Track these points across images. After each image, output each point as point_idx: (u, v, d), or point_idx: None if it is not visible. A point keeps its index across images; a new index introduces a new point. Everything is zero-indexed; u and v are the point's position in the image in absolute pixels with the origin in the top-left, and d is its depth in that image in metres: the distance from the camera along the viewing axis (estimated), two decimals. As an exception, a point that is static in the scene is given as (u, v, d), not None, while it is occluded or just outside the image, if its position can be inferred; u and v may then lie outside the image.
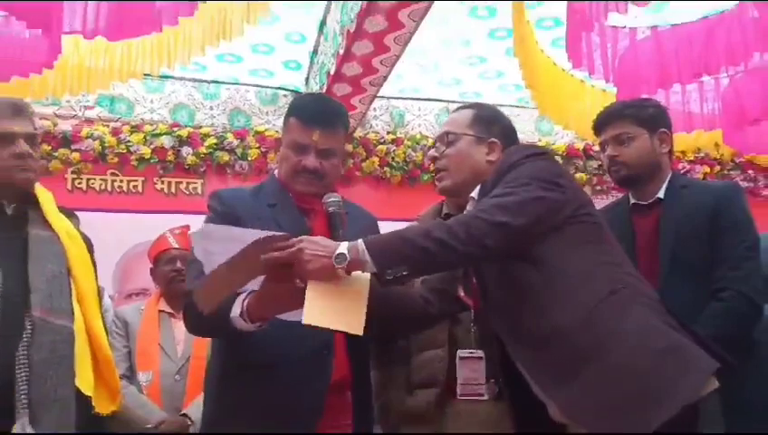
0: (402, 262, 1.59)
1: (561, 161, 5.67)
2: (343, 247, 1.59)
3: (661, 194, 2.27)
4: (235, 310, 1.73)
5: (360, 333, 1.61)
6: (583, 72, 4.50)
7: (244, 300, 1.73)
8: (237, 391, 1.86)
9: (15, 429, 1.73)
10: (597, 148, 2.82)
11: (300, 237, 1.62)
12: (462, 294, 1.94)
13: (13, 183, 1.96)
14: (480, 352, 1.97)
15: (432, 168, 2.02)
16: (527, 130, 5.82)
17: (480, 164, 1.88)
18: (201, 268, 1.76)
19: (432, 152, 1.97)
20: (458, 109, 2.02)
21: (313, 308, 1.60)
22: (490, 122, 1.94)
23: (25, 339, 1.80)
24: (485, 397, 2.00)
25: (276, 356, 1.81)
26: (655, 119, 2.32)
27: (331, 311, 1.60)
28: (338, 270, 1.58)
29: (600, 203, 2.44)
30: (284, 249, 1.60)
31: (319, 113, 2.03)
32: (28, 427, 1.73)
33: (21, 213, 1.98)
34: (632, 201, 2.34)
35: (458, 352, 2.02)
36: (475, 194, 1.86)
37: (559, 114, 5.02)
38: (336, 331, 1.67)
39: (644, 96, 4.37)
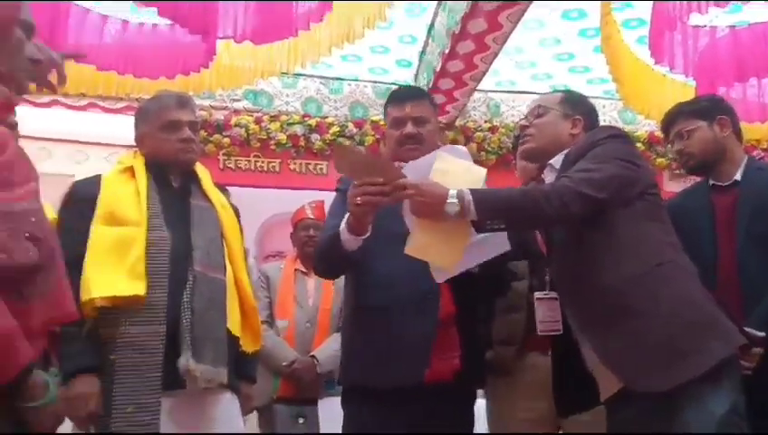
0: (501, 216, 1.61)
1: (643, 148, 5.41)
2: (453, 197, 1.60)
3: (738, 176, 2.16)
4: (342, 224, 1.81)
5: (453, 272, 1.64)
6: (665, 67, 4.27)
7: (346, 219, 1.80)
8: (362, 330, 1.94)
9: (180, 361, 1.79)
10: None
11: (413, 183, 1.64)
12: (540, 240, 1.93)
13: (179, 163, 2.03)
14: (554, 293, 1.95)
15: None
16: (612, 119, 5.57)
17: (563, 135, 1.88)
18: (331, 227, 1.89)
19: (522, 121, 1.97)
20: (552, 91, 2.05)
21: (417, 241, 1.63)
22: (576, 104, 1.94)
23: (188, 289, 1.85)
24: (560, 331, 1.96)
25: (390, 299, 1.86)
26: (710, 109, 2.23)
27: (432, 247, 1.62)
28: (447, 215, 1.60)
29: (679, 186, 2.35)
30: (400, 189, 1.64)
31: (407, 91, 2.23)
32: (191, 359, 1.79)
33: (185, 187, 2.04)
34: (711, 182, 2.23)
35: (535, 294, 2.01)
36: (554, 162, 1.84)
37: (641, 105, 4.79)
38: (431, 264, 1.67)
39: (721, 89, 4.16)
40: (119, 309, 1.78)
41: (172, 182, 2.04)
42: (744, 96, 4.49)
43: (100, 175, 1.98)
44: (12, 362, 1.10)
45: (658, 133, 5.73)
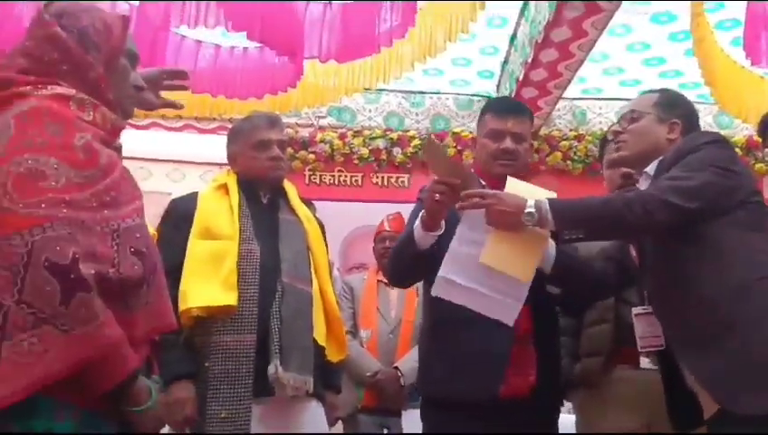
0: (580, 226, 1.58)
1: (741, 153, 5.15)
2: (531, 207, 1.59)
3: None
4: (416, 222, 1.84)
5: (528, 281, 1.62)
6: (762, 68, 4.07)
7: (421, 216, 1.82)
8: (439, 342, 1.95)
9: (270, 369, 1.86)
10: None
11: (492, 192, 1.65)
12: (634, 254, 1.87)
13: (269, 180, 2.11)
14: (651, 308, 1.86)
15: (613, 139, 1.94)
16: (707, 124, 5.33)
17: (660, 141, 1.78)
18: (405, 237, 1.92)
19: (615, 127, 1.90)
20: (645, 92, 1.93)
21: (493, 251, 1.62)
22: (672, 105, 1.83)
23: (277, 299, 1.93)
24: (663, 347, 1.86)
25: (469, 314, 1.86)
26: None
27: (508, 257, 1.61)
28: (525, 225, 1.59)
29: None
30: (479, 198, 1.64)
31: (510, 105, 2.14)
32: (279, 367, 1.85)
33: (273, 202, 2.12)
34: None
35: (633, 310, 1.94)
36: (650, 170, 1.76)
37: (738, 108, 4.57)
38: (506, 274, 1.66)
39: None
40: (213, 318, 1.88)
41: (262, 198, 2.11)
42: None
43: (197, 192, 2.10)
44: (119, 369, 1.18)
45: (757, 138, 5.46)
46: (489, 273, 1.66)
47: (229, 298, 1.86)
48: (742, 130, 5.39)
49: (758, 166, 5.24)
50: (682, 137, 1.78)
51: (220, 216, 1.99)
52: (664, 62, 4.92)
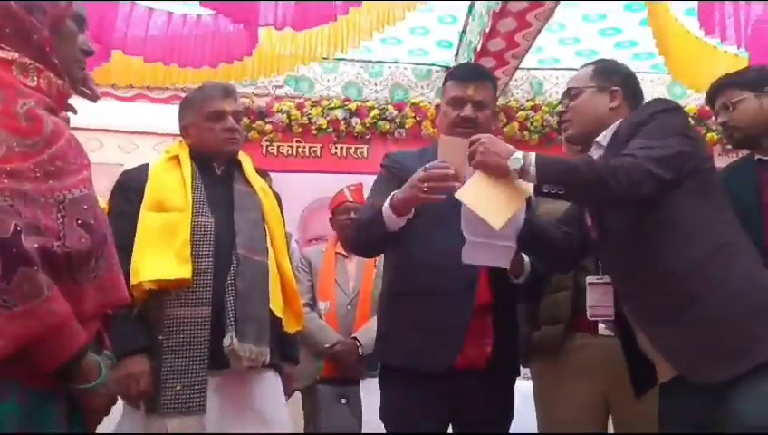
0: (562, 183, 1.56)
1: (693, 123, 5.27)
2: (519, 154, 1.59)
3: None
4: (386, 203, 1.83)
5: (497, 228, 1.62)
6: (716, 38, 4.13)
7: (391, 198, 1.82)
8: (400, 312, 1.97)
9: (225, 341, 1.86)
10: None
11: (487, 135, 1.66)
12: (588, 223, 1.88)
13: (223, 152, 2.09)
14: (607, 278, 1.90)
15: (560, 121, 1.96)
16: (660, 94, 5.41)
17: (602, 112, 1.80)
18: (368, 208, 1.93)
19: (560, 108, 1.92)
20: (582, 66, 1.94)
21: (471, 190, 1.61)
22: (610, 73, 1.84)
23: (232, 271, 1.92)
24: (612, 317, 1.92)
25: (430, 284, 1.89)
26: (757, 80, 2.13)
27: (485, 199, 1.60)
28: (510, 170, 1.58)
29: (728, 161, 2.28)
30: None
31: (471, 71, 2.16)
32: (235, 339, 1.85)
33: (228, 173, 2.11)
34: (757, 157, 2.16)
35: (587, 278, 1.96)
36: (601, 139, 1.78)
37: (691, 79, 4.65)
38: (478, 216, 1.65)
39: (774, 60, 4.00)
40: (166, 292, 1.86)
41: (215, 169, 2.10)
42: (801, 67, 4.30)
43: (147, 164, 2.06)
44: (67, 346, 1.16)
45: (709, 108, 5.57)
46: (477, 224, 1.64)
47: (182, 271, 1.85)
48: (694, 100, 5.50)
49: (710, 135, 5.36)
50: (624, 102, 1.80)
51: (172, 188, 1.96)
52: (619, 32, 4.97)
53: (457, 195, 1.63)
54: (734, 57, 4.45)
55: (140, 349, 1.85)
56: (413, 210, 1.83)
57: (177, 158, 2.05)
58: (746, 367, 1.48)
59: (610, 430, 2.20)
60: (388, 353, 2.00)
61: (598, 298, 1.92)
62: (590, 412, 2.13)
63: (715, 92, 2.19)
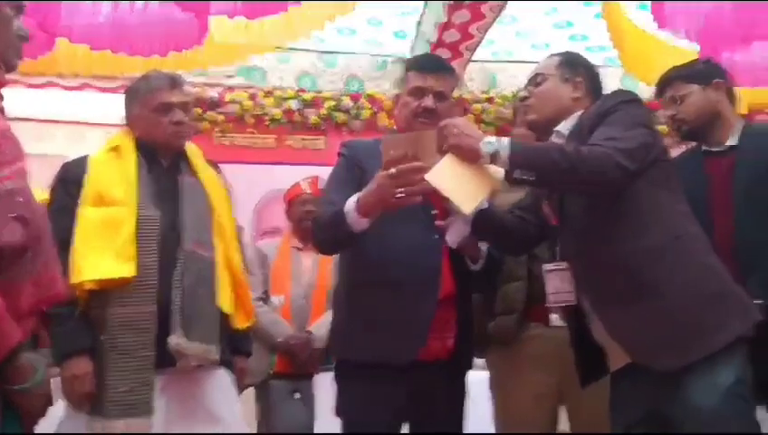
0: (532, 168, 1.56)
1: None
2: (492, 138, 1.58)
3: (733, 141, 2.11)
4: (350, 204, 1.78)
5: (467, 212, 1.61)
6: (667, 32, 4.23)
7: (356, 200, 1.78)
8: (362, 306, 1.93)
9: (170, 340, 1.81)
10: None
11: (461, 119, 1.65)
12: (546, 210, 1.89)
13: (171, 146, 2.03)
14: (565, 264, 1.88)
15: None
16: (613, 87, 5.49)
17: (565, 101, 1.82)
18: (329, 202, 1.89)
19: (523, 92, 1.92)
20: (549, 56, 1.95)
21: (442, 172, 1.58)
22: (575, 65, 1.87)
23: (179, 267, 1.87)
24: (574, 302, 1.88)
25: (394, 278, 1.86)
26: (703, 73, 2.17)
27: (455, 182, 1.58)
28: (482, 154, 1.57)
29: (678, 153, 2.32)
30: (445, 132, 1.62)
31: (433, 62, 2.13)
32: (181, 338, 1.81)
33: (174, 164, 2.04)
34: (704, 148, 2.20)
35: (544, 266, 1.93)
36: (562, 128, 1.79)
37: (643, 72, 4.73)
38: (447, 200, 1.64)
39: (725, 53, 4.11)
40: (109, 290, 1.80)
41: (161, 161, 2.04)
42: (749, 60, 4.43)
43: (87, 155, 1.98)
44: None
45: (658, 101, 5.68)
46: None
47: (125, 269, 1.79)
48: (646, 93, 5.59)
49: (661, 127, 5.47)
50: (587, 94, 1.82)
51: (113, 180, 1.89)
52: (572, 25, 5.04)
53: (427, 177, 1.61)
54: (684, 51, 4.55)
55: (83, 350, 1.79)
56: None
57: (118, 148, 1.98)
58: (698, 356, 1.51)
59: (563, 419, 2.22)
60: (348, 348, 1.98)
61: (557, 285, 1.90)
62: (544, 402, 2.15)
63: (663, 86, 2.22)
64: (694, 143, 2.27)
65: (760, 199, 2.00)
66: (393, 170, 1.68)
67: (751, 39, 4.16)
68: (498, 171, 1.61)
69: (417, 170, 1.66)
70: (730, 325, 1.53)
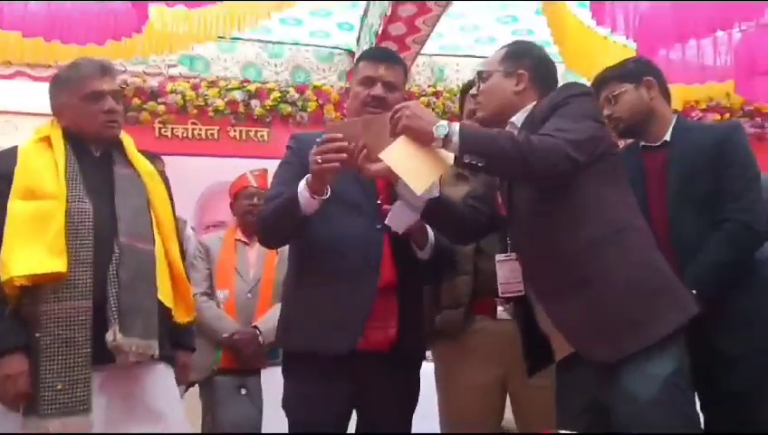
0: (482, 154, 1.56)
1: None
2: (444, 122, 1.59)
3: (668, 136, 2.17)
4: (301, 185, 1.78)
5: (419, 192, 1.62)
6: (606, 29, 4.31)
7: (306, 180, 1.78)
8: (303, 296, 1.93)
9: (108, 335, 1.76)
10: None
11: (414, 102, 1.65)
12: (499, 201, 1.89)
13: (102, 136, 1.96)
14: (515, 255, 1.90)
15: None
16: (555, 82, 5.64)
17: (508, 95, 1.82)
18: (276, 195, 1.87)
19: (473, 90, 1.94)
20: (498, 49, 1.95)
21: (395, 152, 1.59)
22: (518, 57, 1.86)
23: (115, 261, 1.81)
24: (523, 293, 1.89)
25: (334, 266, 1.85)
26: (634, 72, 2.21)
27: (408, 163, 1.58)
28: (434, 137, 1.57)
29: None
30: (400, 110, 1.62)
31: (383, 52, 2.18)
32: (119, 333, 1.76)
33: (107, 155, 1.97)
34: (642, 144, 2.26)
35: (496, 256, 1.95)
36: (516, 120, 1.80)
37: (584, 67, 4.81)
38: (400, 179, 1.64)
39: (661, 51, 4.22)
40: (42, 286, 1.73)
41: (93, 151, 1.97)
42: (684, 58, 4.56)
43: (17, 147, 1.90)
44: None
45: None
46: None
47: (57, 264, 1.72)
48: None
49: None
50: (531, 86, 1.82)
51: (43, 172, 1.82)
52: (516, 20, 5.10)
53: (381, 155, 1.61)
54: (623, 48, 4.66)
55: (17, 347, 1.73)
56: (328, 190, 1.78)
57: (48, 139, 1.91)
58: (634, 349, 1.54)
59: (508, 411, 2.25)
60: (289, 338, 1.96)
61: (507, 275, 1.92)
62: (489, 394, 2.16)
63: (599, 85, 2.27)
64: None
65: (691, 193, 2.05)
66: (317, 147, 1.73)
67: (686, 37, 4.28)
68: (449, 156, 1.62)
69: (339, 148, 1.70)
70: (667, 319, 1.56)
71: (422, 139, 1.60)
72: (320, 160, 1.71)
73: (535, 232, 1.71)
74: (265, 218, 1.94)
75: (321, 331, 1.85)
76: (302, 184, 1.79)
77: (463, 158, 1.56)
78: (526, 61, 1.86)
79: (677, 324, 1.57)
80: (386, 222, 1.81)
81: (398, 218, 1.81)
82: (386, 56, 2.05)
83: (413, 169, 1.59)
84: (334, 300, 1.85)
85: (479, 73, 1.89)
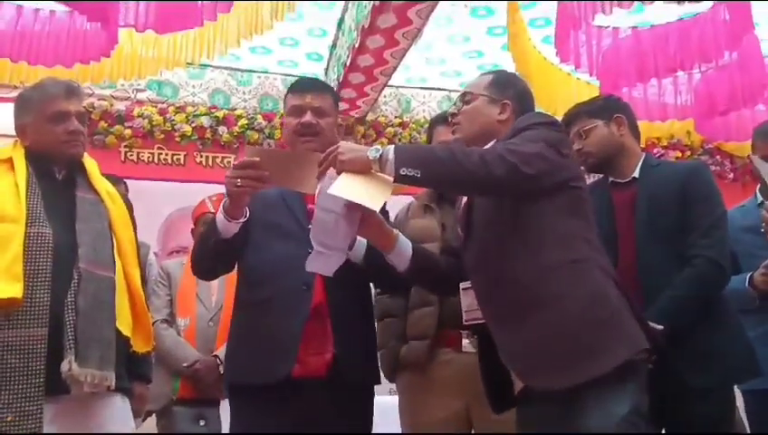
0: (418, 165, 1.55)
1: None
2: (376, 146, 1.61)
3: (636, 173, 2.20)
4: (219, 211, 1.79)
5: (378, 209, 1.61)
6: (570, 66, 4.41)
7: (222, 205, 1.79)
8: (243, 324, 1.92)
9: (63, 365, 1.70)
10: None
11: (339, 143, 1.64)
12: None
13: (65, 156, 1.92)
14: None
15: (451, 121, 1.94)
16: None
17: (491, 122, 1.81)
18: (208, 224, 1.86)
19: (452, 109, 1.91)
20: (482, 73, 1.95)
21: (343, 185, 1.59)
22: (505, 86, 1.86)
23: (73, 288, 1.76)
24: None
25: (267, 293, 1.84)
26: (605, 108, 2.26)
27: (358, 189, 1.59)
28: (371, 162, 1.57)
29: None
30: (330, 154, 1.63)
31: (310, 82, 2.18)
32: (74, 363, 1.70)
33: (69, 178, 1.94)
34: (610, 180, 2.29)
35: (461, 284, 1.92)
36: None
37: (547, 103, 4.89)
38: (358, 205, 1.61)
39: (623, 88, 4.33)
40: (-4, 311, 1.67)
41: (56, 174, 1.93)
42: (645, 95, 4.68)
43: None
44: None
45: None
46: (324, 229, 1.63)
47: (11, 290, 1.66)
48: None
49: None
50: (514, 116, 1.81)
51: (3, 195, 1.77)
52: (482, 55, 5.18)
53: (332, 191, 1.59)
54: (586, 84, 4.77)
55: None
56: (246, 213, 1.77)
57: (9, 161, 1.86)
58: (578, 380, 1.51)
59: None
60: (231, 369, 1.94)
61: (470, 302, 1.90)
62: (453, 426, 2.13)
63: (570, 120, 2.30)
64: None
65: (658, 229, 2.08)
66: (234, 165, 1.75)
67: (648, 76, 4.40)
68: (389, 178, 1.62)
69: (253, 166, 1.71)
70: (613, 351, 1.52)
71: (361, 168, 1.60)
72: (239, 184, 1.71)
73: (492, 255, 1.69)
74: (193, 248, 1.92)
75: (257, 360, 1.82)
76: (220, 208, 1.78)
77: (400, 171, 1.55)
78: (511, 91, 1.86)
79: (625, 358, 1.52)
80: (313, 270, 1.73)
81: (324, 263, 1.72)
82: (311, 85, 2.07)
83: (364, 193, 1.60)
84: (267, 327, 1.83)
85: (463, 94, 1.88)
